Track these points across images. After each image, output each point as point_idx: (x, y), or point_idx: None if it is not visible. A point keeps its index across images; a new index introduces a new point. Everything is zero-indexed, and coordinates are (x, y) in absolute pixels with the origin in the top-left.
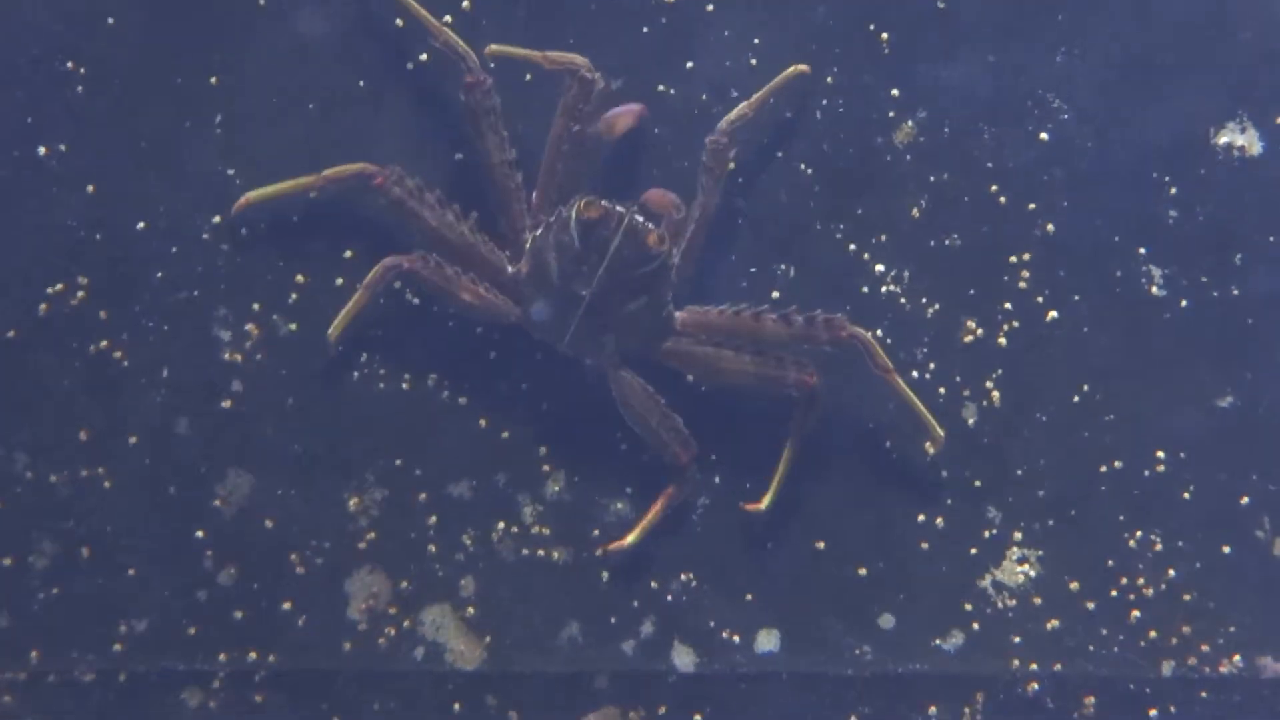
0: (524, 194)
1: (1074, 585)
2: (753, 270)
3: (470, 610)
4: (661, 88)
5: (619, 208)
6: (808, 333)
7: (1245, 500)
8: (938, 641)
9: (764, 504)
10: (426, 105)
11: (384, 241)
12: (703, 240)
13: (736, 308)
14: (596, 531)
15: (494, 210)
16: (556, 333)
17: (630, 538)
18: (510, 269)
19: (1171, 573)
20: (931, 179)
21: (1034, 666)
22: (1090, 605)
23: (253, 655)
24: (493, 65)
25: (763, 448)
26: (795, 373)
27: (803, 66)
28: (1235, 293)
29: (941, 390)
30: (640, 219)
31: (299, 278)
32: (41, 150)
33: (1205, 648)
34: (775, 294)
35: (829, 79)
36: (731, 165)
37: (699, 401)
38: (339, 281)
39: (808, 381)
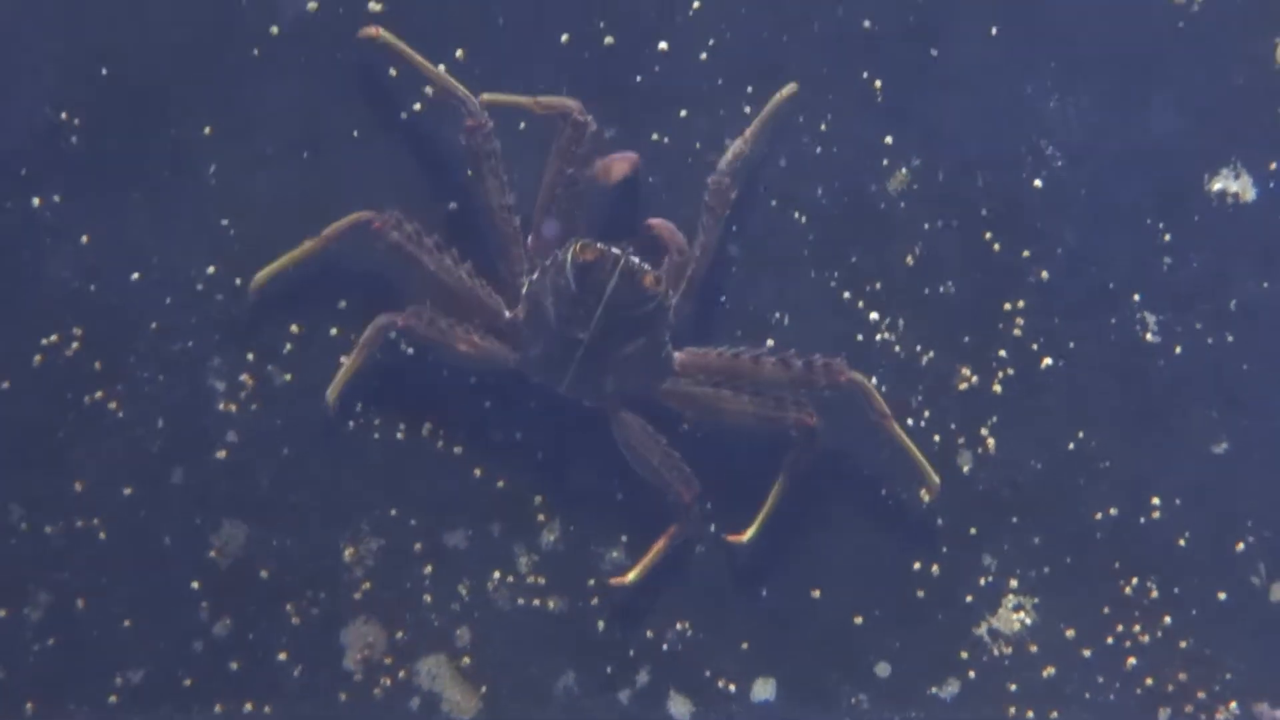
0: (522, 238)
1: (1070, 633)
2: (746, 318)
3: (466, 660)
4: (655, 136)
5: (615, 249)
6: (806, 377)
7: (1241, 546)
8: (934, 690)
9: (746, 536)
10: (420, 154)
11: (378, 290)
12: (702, 280)
13: (735, 350)
14: (592, 581)
15: (492, 255)
16: (556, 376)
17: (632, 575)
18: (507, 314)
19: (1167, 620)
20: (925, 226)
21: (1030, 714)
22: (1086, 652)
23: (248, 706)
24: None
25: (759, 495)
26: (795, 413)
27: (791, 87)
28: (1230, 339)
29: (936, 438)
30: (636, 260)
31: (294, 328)
32: (35, 201)
33: (1202, 694)
34: (770, 342)
35: (822, 126)
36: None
37: (694, 448)
38: (334, 331)
39: (808, 422)
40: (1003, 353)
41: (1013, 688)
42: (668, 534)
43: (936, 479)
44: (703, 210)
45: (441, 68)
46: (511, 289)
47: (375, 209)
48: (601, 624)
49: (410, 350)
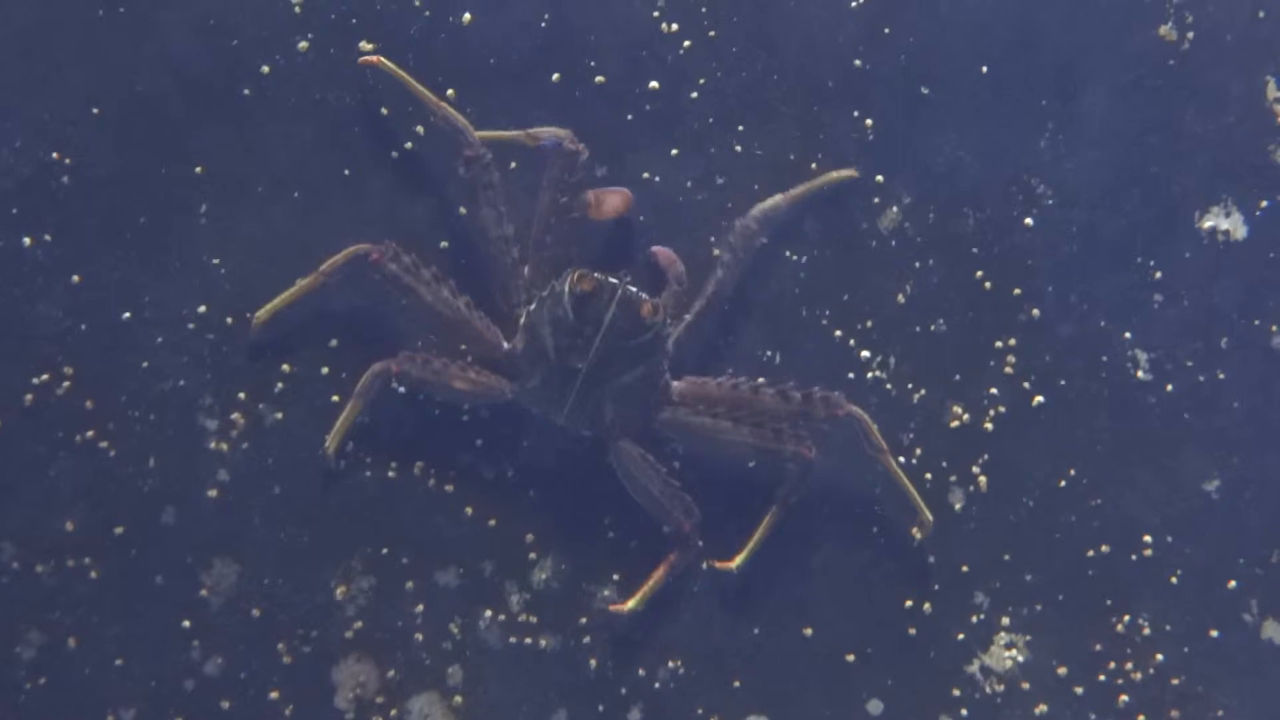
0: (519, 270)
1: (1062, 670)
2: (738, 356)
3: (458, 699)
4: (646, 175)
5: (612, 279)
6: (805, 409)
7: (1232, 584)
8: None
9: (735, 564)
10: (411, 192)
11: (369, 329)
12: (710, 316)
13: (735, 381)
14: (584, 619)
15: (490, 286)
16: (554, 407)
17: (632, 603)
18: (505, 345)
19: (1159, 657)
20: (916, 264)
21: None
22: (1079, 690)
23: None
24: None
25: (748, 525)
26: (793, 445)
27: (851, 171)
28: (1221, 377)
29: (928, 475)
30: (634, 290)
31: (285, 367)
32: (27, 240)
33: None
34: (761, 380)
35: (813, 165)
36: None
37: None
38: (325, 370)
39: (805, 454)
40: (994, 390)
41: None
42: (667, 562)
43: (929, 516)
44: (724, 248)
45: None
46: (509, 320)
47: (372, 241)
48: (594, 662)
49: (401, 389)
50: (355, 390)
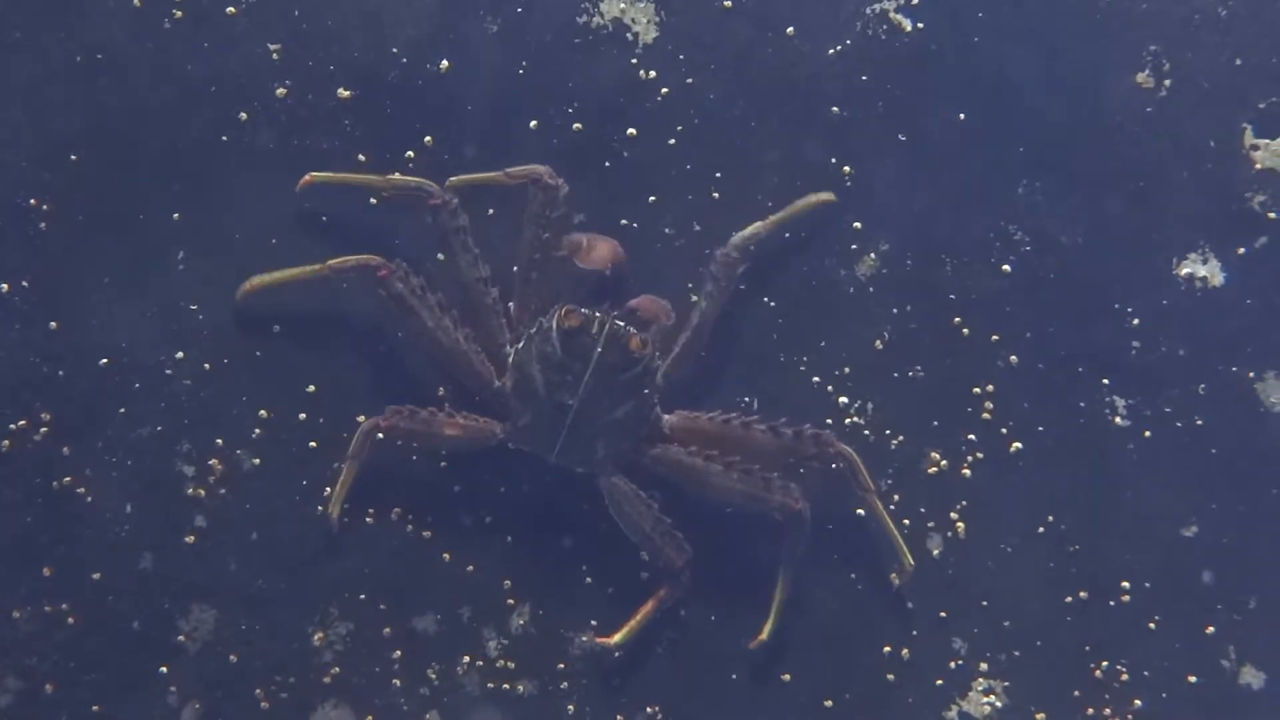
0: (501, 309)
1: (1040, 716)
2: (717, 401)
3: None
4: (624, 221)
5: (599, 314)
6: (795, 446)
7: (1210, 630)
8: None
9: (765, 634)
10: (388, 240)
11: (348, 376)
12: (698, 349)
13: (726, 416)
14: (562, 665)
15: (473, 329)
16: (546, 444)
17: (617, 637)
18: (496, 383)
19: (1138, 703)
20: (894, 311)
21: None
22: None
23: None
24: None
25: (731, 578)
26: (781, 496)
27: (828, 195)
28: (1199, 423)
29: (906, 521)
30: (621, 324)
31: (262, 413)
32: (4, 287)
33: None
34: (754, 416)
35: None
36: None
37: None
38: (302, 416)
39: (792, 506)
40: (972, 436)
41: None
42: (656, 597)
43: (911, 561)
44: (707, 279)
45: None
46: (496, 360)
47: (383, 257)
48: (571, 708)
49: (380, 435)
50: (349, 453)
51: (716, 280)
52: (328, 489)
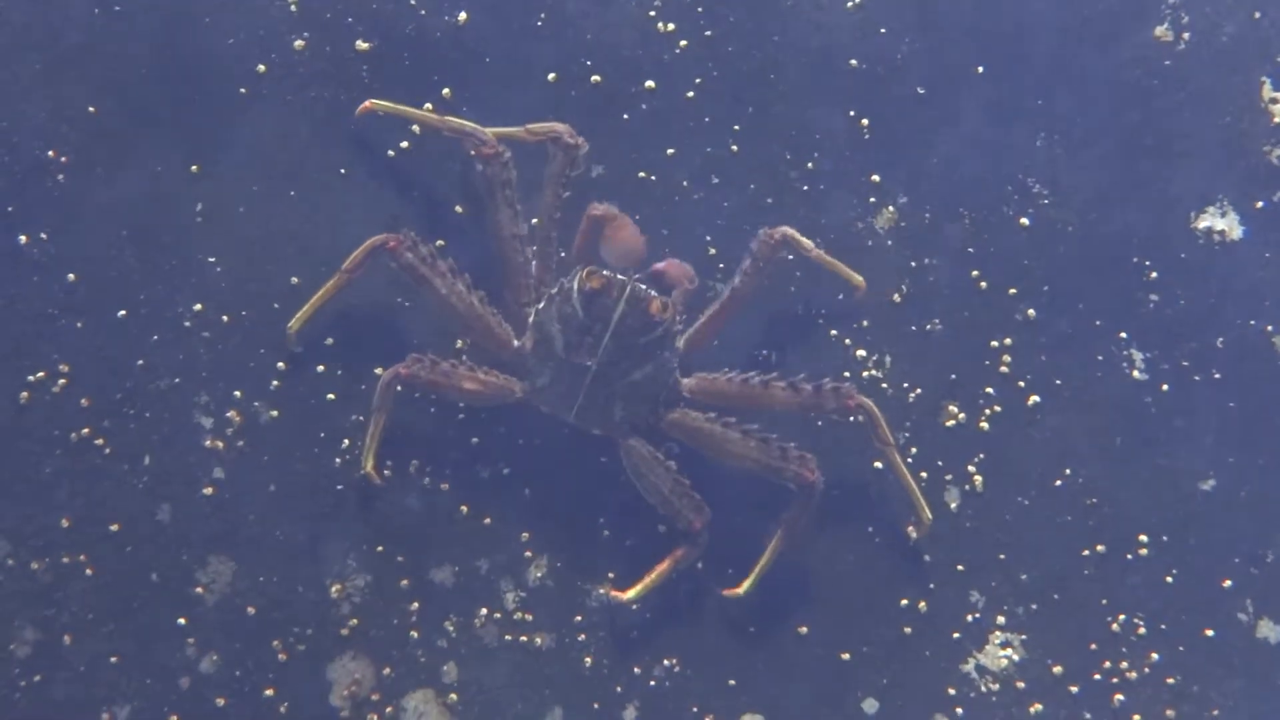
0: (530, 269)
1: (1057, 669)
2: (735, 357)
3: (453, 696)
4: (642, 174)
5: (621, 276)
6: (815, 400)
7: (1228, 583)
8: None
9: (742, 589)
10: (406, 190)
11: (364, 328)
12: (727, 319)
13: (745, 375)
14: (579, 618)
15: (500, 284)
16: (564, 405)
17: (632, 592)
18: (515, 343)
19: (1155, 656)
20: (913, 264)
21: None
22: (1074, 689)
23: None
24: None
25: (750, 537)
26: (796, 466)
27: (861, 280)
28: (1217, 376)
29: (924, 474)
30: (643, 287)
31: (280, 365)
32: (22, 238)
33: None
34: (773, 374)
35: (809, 164)
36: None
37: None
38: (320, 368)
39: (807, 476)
40: (990, 390)
41: None
42: (674, 556)
43: (929, 515)
44: (747, 255)
45: (428, 105)
46: (517, 320)
47: (389, 231)
48: (588, 660)
49: (398, 389)
50: (373, 405)
51: (755, 259)
52: (346, 440)
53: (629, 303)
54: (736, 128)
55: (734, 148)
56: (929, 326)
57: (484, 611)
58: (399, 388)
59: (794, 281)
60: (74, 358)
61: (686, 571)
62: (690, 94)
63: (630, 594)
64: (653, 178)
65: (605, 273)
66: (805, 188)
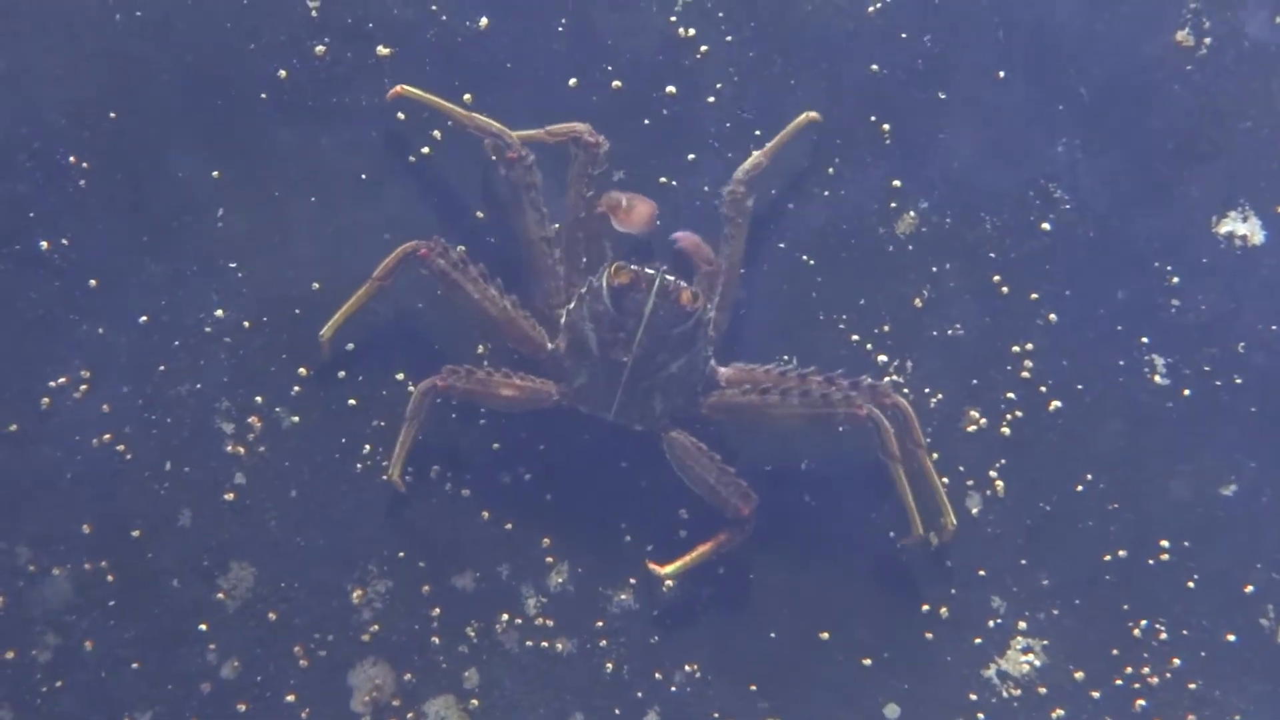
0: (559, 271)
1: (1079, 674)
2: (756, 360)
3: (474, 702)
4: (664, 179)
5: (649, 269)
6: (850, 398)
7: (1249, 589)
8: None
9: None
10: (428, 196)
11: (385, 334)
12: (735, 290)
13: (782, 369)
14: (600, 623)
15: (529, 288)
16: (603, 403)
17: (671, 567)
18: (549, 346)
19: (1176, 661)
20: (934, 269)
21: None
22: (1095, 694)
23: None
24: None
25: (772, 538)
26: (845, 408)
27: (814, 114)
28: (1238, 381)
29: (945, 480)
30: (672, 278)
31: (301, 370)
32: (43, 244)
33: None
34: (812, 368)
35: (830, 170)
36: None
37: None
38: (341, 374)
39: (858, 413)
40: (1011, 395)
41: None
42: (717, 540)
43: (954, 520)
44: (723, 221)
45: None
46: (549, 322)
47: (419, 239)
48: (609, 665)
49: (436, 400)
50: (407, 413)
51: (731, 220)
52: (367, 446)
53: (659, 295)
54: (757, 133)
55: (754, 153)
56: (950, 331)
57: (505, 617)
58: (437, 399)
59: (815, 287)
60: (95, 363)
61: (709, 576)
62: (711, 99)
63: (669, 569)
64: (674, 183)
65: (633, 267)
66: (826, 193)
